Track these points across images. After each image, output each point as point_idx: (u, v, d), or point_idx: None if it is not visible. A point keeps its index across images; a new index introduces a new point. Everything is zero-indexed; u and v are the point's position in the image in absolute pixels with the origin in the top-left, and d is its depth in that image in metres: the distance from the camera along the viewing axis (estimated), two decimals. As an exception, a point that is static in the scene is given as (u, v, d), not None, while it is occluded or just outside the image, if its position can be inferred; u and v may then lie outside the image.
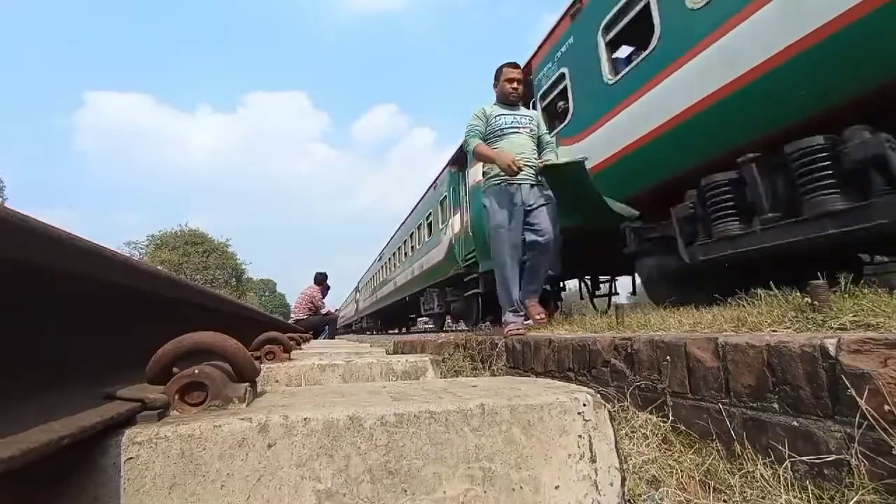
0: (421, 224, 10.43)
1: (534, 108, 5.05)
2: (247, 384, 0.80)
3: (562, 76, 4.59)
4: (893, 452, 0.80)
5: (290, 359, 1.98)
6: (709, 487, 1.04)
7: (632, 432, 1.28)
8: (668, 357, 1.34)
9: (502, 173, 2.89)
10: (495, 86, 3.21)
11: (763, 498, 0.94)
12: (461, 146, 6.52)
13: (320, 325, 8.31)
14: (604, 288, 6.53)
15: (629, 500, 0.92)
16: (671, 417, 1.31)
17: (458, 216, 7.91)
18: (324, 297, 8.60)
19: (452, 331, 8.14)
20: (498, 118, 3.07)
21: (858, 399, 0.85)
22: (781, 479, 0.96)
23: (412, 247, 11.24)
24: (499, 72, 3.17)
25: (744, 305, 1.60)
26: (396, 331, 13.73)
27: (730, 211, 2.59)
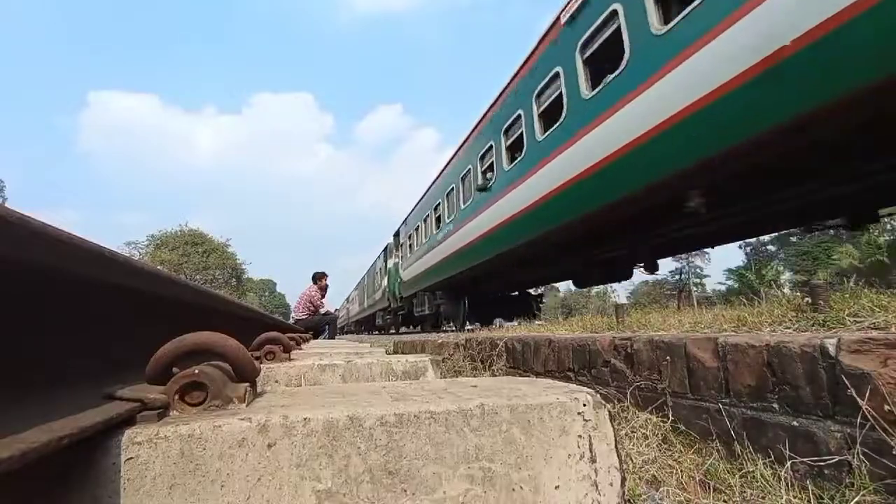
0: (375, 274, 18.56)
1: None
2: (247, 384, 0.80)
3: (409, 236, 11.63)
4: (894, 452, 0.80)
5: (290, 359, 1.98)
6: (709, 487, 1.04)
7: (632, 432, 1.28)
8: (668, 357, 1.34)
9: None
10: None
11: (763, 498, 0.94)
12: (394, 234, 13.88)
13: (320, 324, 8.30)
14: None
15: (629, 500, 0.92)
16: (671, 417, 1.31)
17: (386, 278, 14.99)
18: (323, 296, 8.60)
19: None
20: None
21: (859, 399, 0.85)
22: (781, 479, 0.95)
23: (371, 286, 19.69)
24: None
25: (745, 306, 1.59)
26: (377, 333, 19.82)
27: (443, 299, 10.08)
